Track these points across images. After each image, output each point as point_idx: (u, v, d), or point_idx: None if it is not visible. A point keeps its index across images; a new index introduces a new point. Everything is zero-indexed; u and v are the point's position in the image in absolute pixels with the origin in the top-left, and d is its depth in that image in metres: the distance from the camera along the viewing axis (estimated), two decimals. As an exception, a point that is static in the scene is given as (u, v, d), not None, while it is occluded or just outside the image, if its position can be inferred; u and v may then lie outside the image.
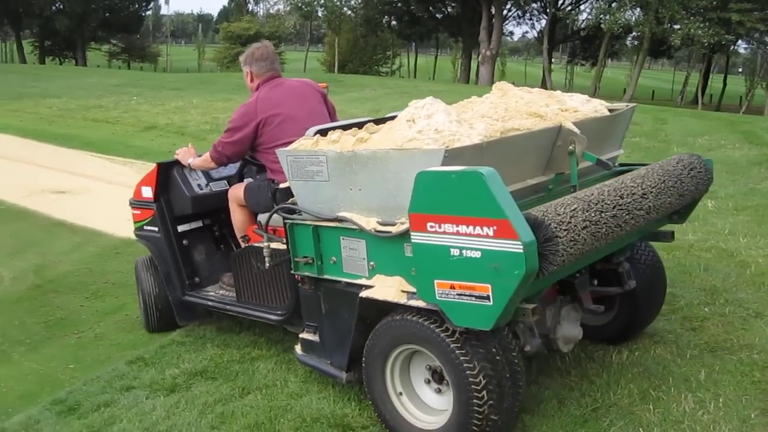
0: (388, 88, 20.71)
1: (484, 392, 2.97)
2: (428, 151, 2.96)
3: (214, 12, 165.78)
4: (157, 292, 4.83)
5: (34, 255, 7.01)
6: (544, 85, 35.19)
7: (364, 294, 3.27)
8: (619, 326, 4.14)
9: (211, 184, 4.75)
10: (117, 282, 6.21)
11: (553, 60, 41.67)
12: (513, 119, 3.41)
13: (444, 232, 2.82)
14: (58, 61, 53.66)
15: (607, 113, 3.87)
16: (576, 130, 3.41)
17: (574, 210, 2.91)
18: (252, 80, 4.44)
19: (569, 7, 38.20)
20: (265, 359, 4.38)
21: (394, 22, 44.43)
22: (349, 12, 43.87)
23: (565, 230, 2.80)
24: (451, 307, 2.89)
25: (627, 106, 4.08)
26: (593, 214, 2.98)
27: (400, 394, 3.37)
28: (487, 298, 2.77)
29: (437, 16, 42.85)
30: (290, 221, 3.59)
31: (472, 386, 2.97)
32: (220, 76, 30.99)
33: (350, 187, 3.29)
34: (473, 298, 2.81)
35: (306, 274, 3.65)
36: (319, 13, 44.60)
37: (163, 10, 79.39)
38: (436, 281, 2.90)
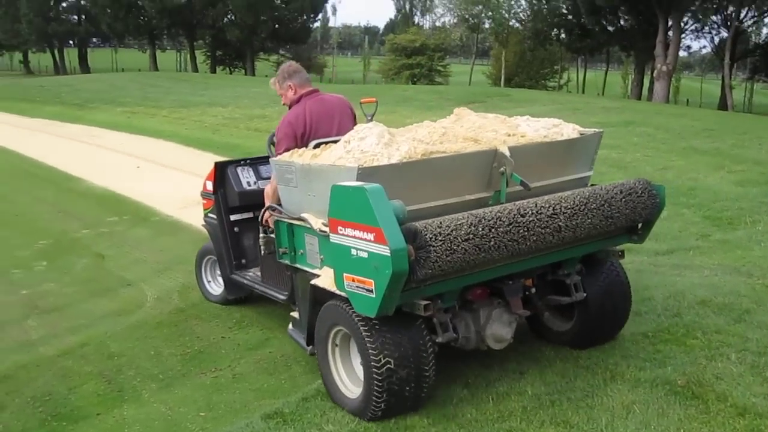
0: (559, 103, 19.50)
1: (384, 370, 3.56)
2: (347, 168, 3.58)
3: (381, 24, 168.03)
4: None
5: (181, 274, 6.75)
6: (723, 103, 32.47)
7: (313, 281, 3.94)
8: (578, 333, 4.49)
9: (259, 182, 5.48)
10: (264, 311, 5.77)
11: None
12: (446, 143, 3.86)
13: (347, 235, 3.45)
14: (228, 70, 56.13)
15: (563, 138, 4.22)
16: (507, 153, 3.83)
17: (459, 224, 3.38)
18: (295, 92, 4.92)
19: (753, 20, 35.04)
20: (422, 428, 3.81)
21: (563, 35, 42.84)
22: (517, 24, 42.95)
23: (441, 241, 3.29)
24: (353, 296, 3.53)
25: (594, 131, 4.42)
26: (481, 229, 3.42)
27: (339, 367, 4.01)
28: (371, 291, 3.36)
29: (609, 29, 40.76)
30: (275, 218, 4.40)
31: (374, 364, 3.57)
32: (384, 87, 30.98)
33: (308, 193, 3.99)
34: (364, 290, 3.41)
35: (285, 262, 4.41)
36: (486, 26, 43.90)
37: (331, 23, 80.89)
38: (344, 274, 3.54)
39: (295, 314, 4.53)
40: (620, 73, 46.27)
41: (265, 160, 5.37)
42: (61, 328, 5.69)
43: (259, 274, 5.31)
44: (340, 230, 3.50)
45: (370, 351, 3.59)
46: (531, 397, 3.97)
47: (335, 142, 4.12)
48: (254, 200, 5.26)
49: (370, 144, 3.74)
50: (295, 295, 4.54)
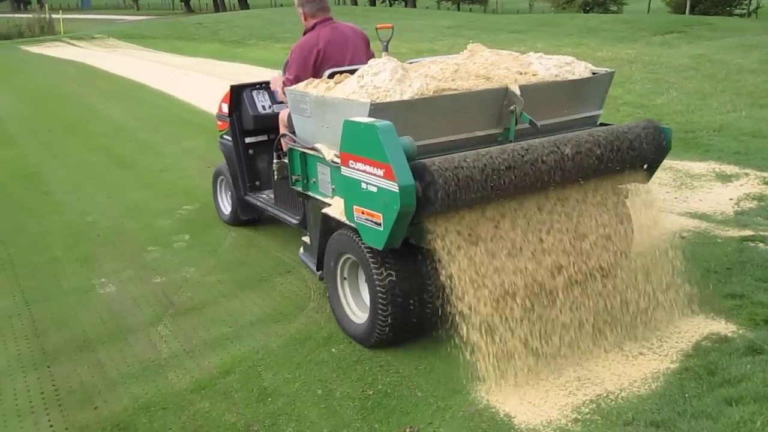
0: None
1: (389, 298, 3.73)
2: (360, 103, 3.64)
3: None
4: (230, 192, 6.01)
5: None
6: None
7: (324, 210, 4.10)
8: None
9: (274, 106, 5.55)
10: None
11: None
12: (457, 80, 3.88)
13: (358, 169, 3.54)
14: (388, 3, 54.30)
15: (573, 77, 4.21)
16: (517, 92, 3.85)
17: (466, 161, 3.40)
18: (306, 20, 5.00)
19: None
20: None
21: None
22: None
23: (448, 177, 3.30)
24: (362, 228, 3.65)
25: (606, 71, 4.40)
26: (487, 166, 3.42)
27: (347, 293, 4.20)
28: (380, 224, 3.47)
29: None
30: (289, 146, 4.52)
31: (379, 292, 3.74)
32: (563, 17, 27.78)
33: (322, 124, 4.07)
34: (372, 223, 3.53)
35: (298, 189, 4.56)
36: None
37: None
38: (354, 206, 3.66)
39: (306, 239, 4.70)
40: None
41: None
42: (199, 340, 4.34)
43: (272, 197, 5.48)
44: (352, 164, 3.58)
45: (376, 279, 3.74)
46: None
47: (351, 72, 4.16)
48: (269, 124, 5.36)
49: (383, 79, 3.76)
50: (307, 220, 4.70)
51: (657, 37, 17.20)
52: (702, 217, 5.81)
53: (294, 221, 5.00)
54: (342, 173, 3.69)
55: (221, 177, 6.20)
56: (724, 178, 6.82)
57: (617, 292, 3.97)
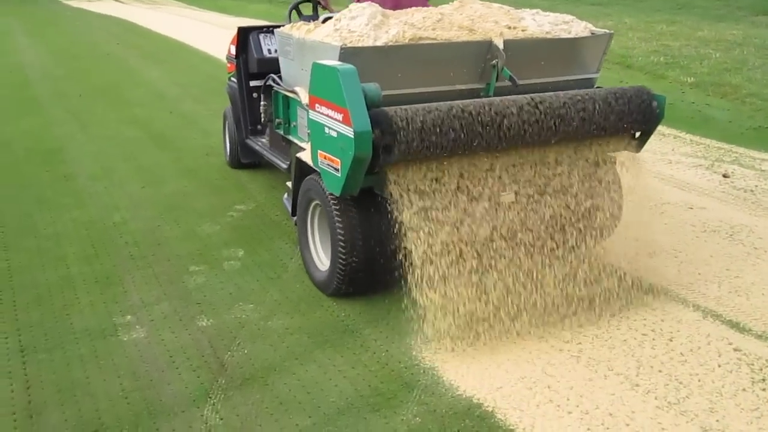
0: None
1: (349, 246, 3.66)
2: (331, 46, 3.55)
3: None
4: (234, 134, 5.99)
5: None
6: None
7: (298, 154, 4.06)
8: None
9: None
10: None
11: None
12: (438, 30, 3.75)
13: (322, 113, 3.48)
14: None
15: (565, 36, 4.03)
16: (500, 47, 3.70)
17: (430, 112, 3.29)
18: None
19: None
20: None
21: None
22: None
23: (410, 128, 3.23)
24: (324, 173, 3.59)
25: (604, 32, 4.20)
26: (453, 119, 3.32)
27: (316, 239, 4.13)
28: (338, 170, 3.40)
29: None
30: (274, 88, 4.66)
31: (340, 239, 3.67)
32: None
33: (302, 67, 4.01)
34: (332, 169, 3.46)
35: (280, 132, 4.73)
36: None
37: None
38: (318, 151, 3.60)
39: (289, 183, 4.48)
40: None
41: None
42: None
43: (267, 141, 5.43)
44: (317, 107, 3.54)
45: (337, 227, 3.67)
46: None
47: None
48: (274, 67, 4.97)
49: (359, 24, 3.69)
50: (289, 165, 4.62)
51: (761, 17, 15.22)
52: None
53: (283, 166, 4.88)
54: (310, 116, 3.69)
55: (228, 119, 6.18)
56: None
57: (583, 263, 3.87)
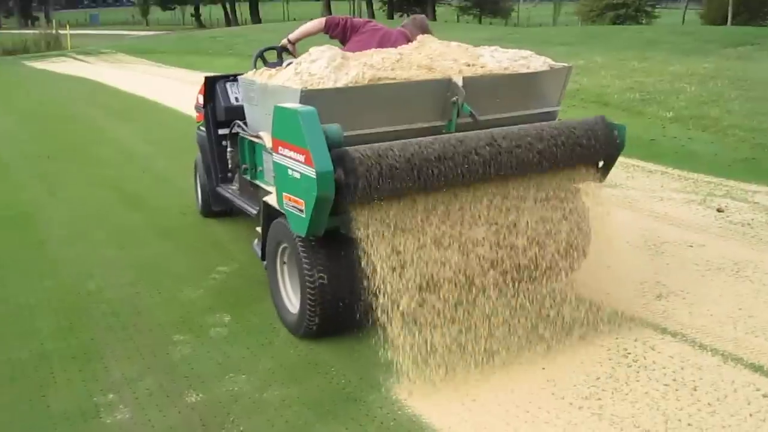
0: None
1: (317, 287, 3.67)
2: (292, 90, 3.60)
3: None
4: (206, 183, 5.99)
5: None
6: None
7: (264, 198, 4.14)
8: None
9: None
10: None
11: None
12: (398, 70, 3.80)
13: (285, 156, 3.53)
14: (406, 16, 52.94)
15: (523, 71, 4.07)
16: (459, 84, 3.77)
17: (391, 150, 3.32)
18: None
19: None
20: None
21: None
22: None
23: (371, 166, 3.24)
24: (289, 214, 3.63)
25: (563, 65, 4.27)
26: (413, 156, 3.35)
27: (286, 282, 4.13)
28: (302, 211, 3.45)
29: None
30: (240, 134, 4.72)
31: (308, 280, 3.68)
32: (611, 29, 25.94)
33: (266, 112, 3.94)
34: (297, 210, 3.50)
35: (247, 178, 4.81)
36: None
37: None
38: (283, 193, 3.64)
39: (259, 229, 4.43)
40: None
41: None
42: None
43: (237, 188, 5.41)
44: (281, 150, 3.58)
45: (305, 267, 3.68)
46: None
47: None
48: (240, 115, 4.94)
49: (319, 67, 3.74)
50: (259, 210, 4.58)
51: (729, 50, 15.39)
52: None
53: (254, 212, 4.82)
54: (274, 159, 3.71)
55: (198, 168, 6.26)
56: None
57: (555, 293, 3.91)
